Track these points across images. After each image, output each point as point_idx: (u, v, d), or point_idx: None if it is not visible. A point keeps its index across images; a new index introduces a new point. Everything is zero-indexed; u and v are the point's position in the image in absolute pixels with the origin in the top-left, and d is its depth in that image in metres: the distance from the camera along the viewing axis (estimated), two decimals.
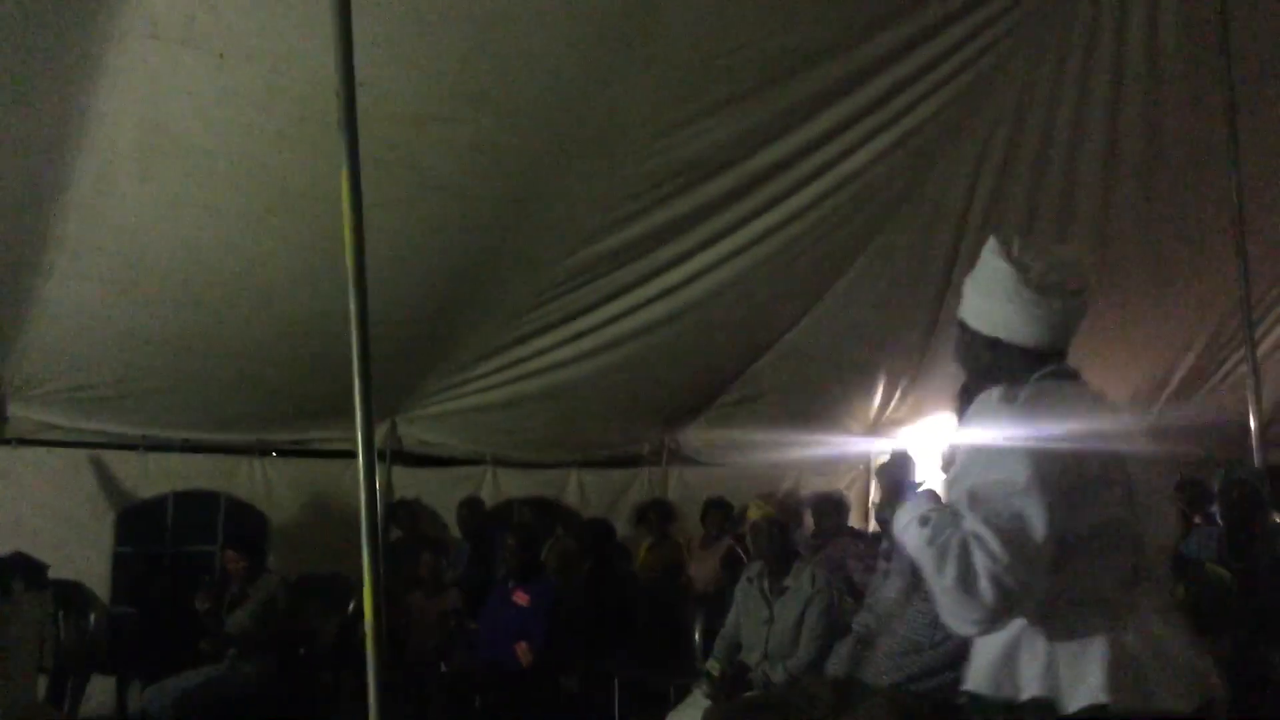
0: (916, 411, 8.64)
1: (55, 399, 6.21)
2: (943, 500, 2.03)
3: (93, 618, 6.64)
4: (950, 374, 7.57)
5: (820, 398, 8.34)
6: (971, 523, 1.86)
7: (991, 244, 2.18)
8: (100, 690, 6.63)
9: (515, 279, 5.82)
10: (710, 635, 5.58)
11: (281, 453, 7.43)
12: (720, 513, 7.48)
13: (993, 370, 2.16)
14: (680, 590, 6.54)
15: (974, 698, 2.07)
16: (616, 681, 5.71)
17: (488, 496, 8.01)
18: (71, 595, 6.49)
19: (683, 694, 5.02)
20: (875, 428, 8.89)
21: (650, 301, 6.40)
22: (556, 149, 4.89)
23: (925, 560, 1.90)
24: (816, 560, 5.02)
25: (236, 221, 4.83)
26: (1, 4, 3.55)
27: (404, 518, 7.41)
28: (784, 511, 4.94)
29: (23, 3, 3.59)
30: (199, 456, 7.16)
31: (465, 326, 6.32)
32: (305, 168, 4.39)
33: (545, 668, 5.71)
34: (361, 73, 3.07)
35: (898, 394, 8.49)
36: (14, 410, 6.22)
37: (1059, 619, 1.96)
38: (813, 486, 8.26)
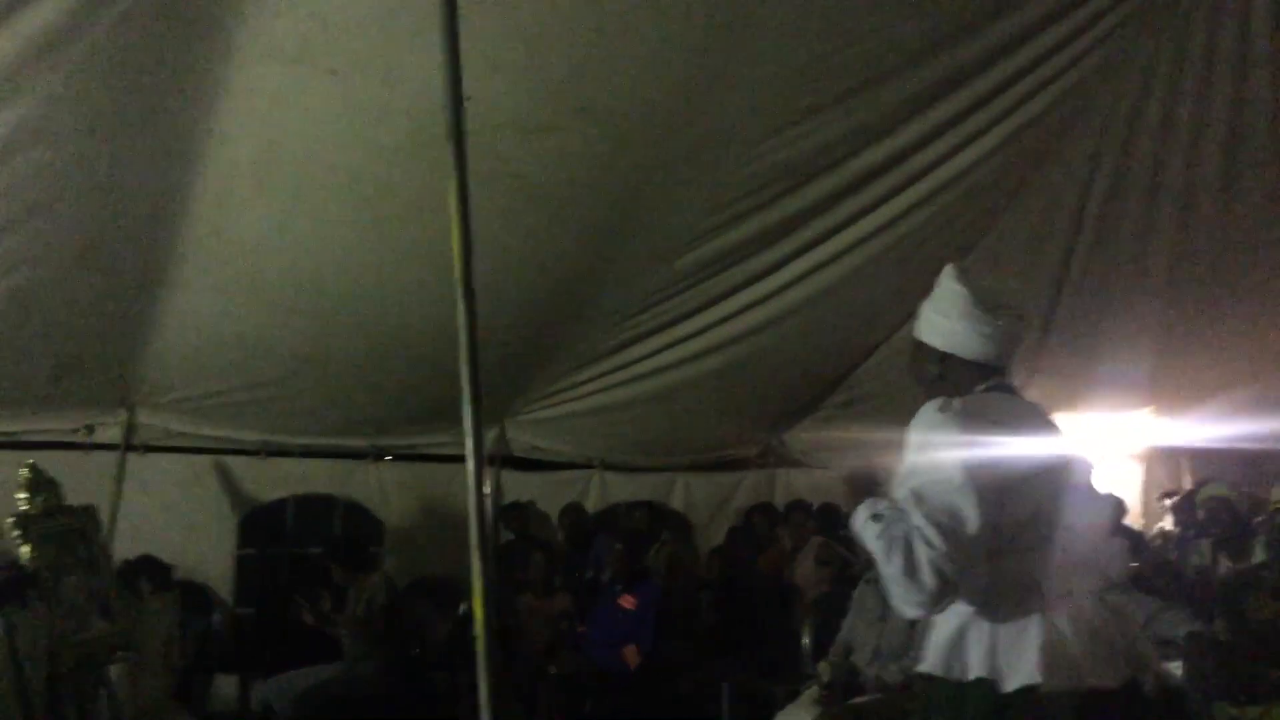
0: None
1: (181, 406, 6.45)
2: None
3: (217, 618, 6.90)
4: (1067, 373, 7.48)
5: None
6: (915, 518, 2.10)
7: (950, 270, 2.50)
8: (224, 688, 6.85)
9: (621, 284, 5.86)
10: (819, 637, 5.54)
11: (395, 457, 7.60)
12: (802, 513, 7.42)
13: (940, 382, 2.44)
14: (787, 593, 6.50)
15: (927, 678, 2.30)
16: (725, 685, 5.70)
17: (594, 500, 8.07)
18: (196, 596, 6.75)
19: (793, 697, 4.99)
20: None
21: (756, 304, 6.37)
22: (660, 155, 4.91)
23: (877, 551, 2.14)
24: None
25: (349, 233, 4.96)
26: (131, 28, 3.70)
27: (514, 521, 7.52)
28: None
29: (150, 26, 3.74)
30: (316, 461, 7.36)
31: (572, 332, 6.38)
32: (414, 180, 4.49)
33: (653, 671, 5.73)
34: (469, 86, 3.12)
35: None
36: (142, 417, 6.47)
37: (1000, 605, 2.21)
38: None
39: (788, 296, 6.34)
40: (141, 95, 4.01)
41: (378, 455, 7.53)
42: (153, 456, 6.70)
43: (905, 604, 2.12)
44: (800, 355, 7.24)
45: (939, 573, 2.05)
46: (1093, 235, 6.68)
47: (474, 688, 3.05)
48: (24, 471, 5.32)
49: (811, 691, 4.82)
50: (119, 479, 6.34)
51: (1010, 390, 2.43)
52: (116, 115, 4.05)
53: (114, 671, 5.51)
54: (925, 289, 7.21)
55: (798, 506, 7.49)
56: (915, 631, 4.56)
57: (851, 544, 6.84)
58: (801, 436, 8.54)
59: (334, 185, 4.64)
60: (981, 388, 2.39)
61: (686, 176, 5.16)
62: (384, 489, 7.54)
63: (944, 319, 2.44)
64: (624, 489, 8.31)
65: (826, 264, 6.14)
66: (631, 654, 5.70)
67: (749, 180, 5.27)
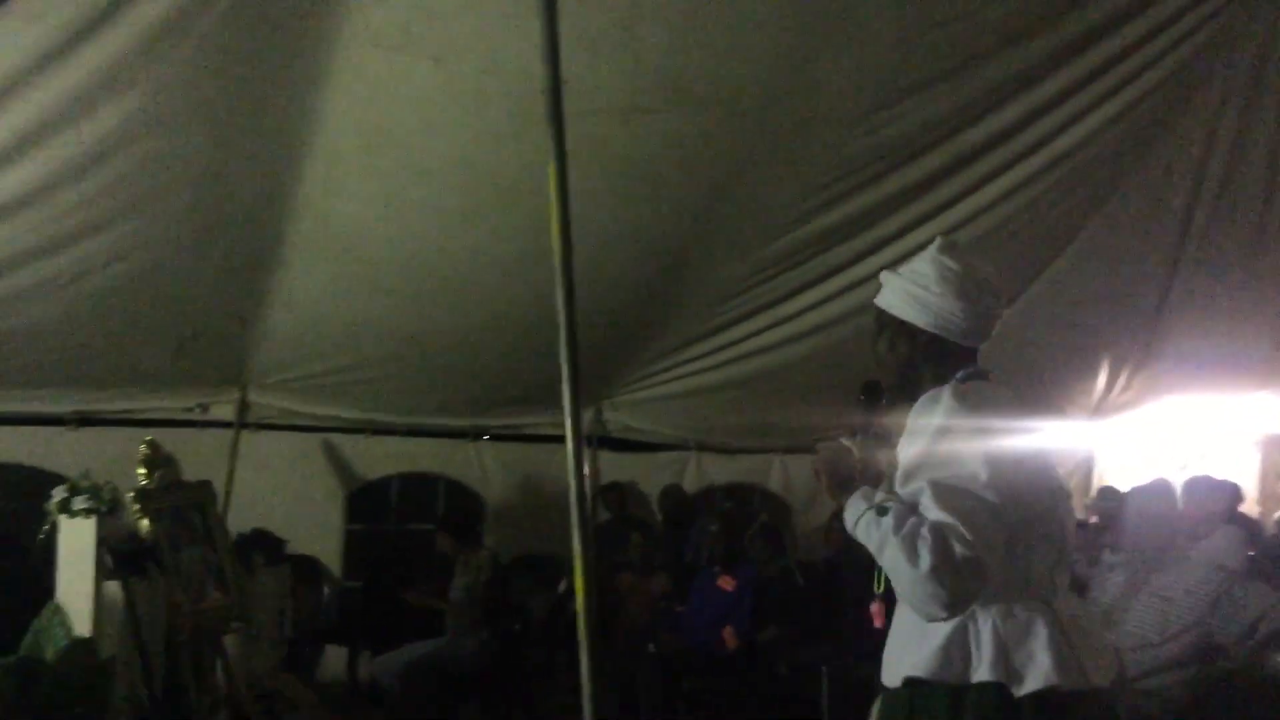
0: (1146, 393, 8.20)
1: (290, 386, 6.64)
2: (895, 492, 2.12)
3: (326, 591, 7.10)
4: (1184, 353, 7.24)
5: (1035, 382, 8.01)
6: (938, 513, 1.96)
7: (940, 243, 2.36)
8: (333, 659, 7.06)
9: (719, 265, 5.85)
10: None
11: (495, 437, 7.72)
12: None
13: (919, 365, 2.30)
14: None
15: (915, 682, 2.12)
16: (824, 669, 5.66)
17: (691, 482, 8.08)
18: (306, 569, 6.95)
19: None
20: (1098, 411, 8.47)
21: (856, 285, 6.29)
22: (759, 136, 4.87)
23: (891, 548, 1.97)
24: None
25: (451, 217, 5.04)
26: (238, 19, 3.81)
27: (613, 501, 7.57)
28: None
29: (257, 17, 3.84)
30: (419, 440, 7.52)
31: (669, 313, 6.39)
32: (514, 163, 4.53)
33: (752, 652, 5.73)
34: (567, 70, 3.15)
35: (1124, 376, 8.07)
36: (253, 396, 6.68)
37: (1003, 604, 2.07)
38: None
39: None
40: (249, 85, 4.12)
41: (478, 435, 7.65)
42: (264, 434, 6.91)
43: (930, 606, 1.94)
44: None
45: (975, 570, 1.92)
46: (1209, 212, 6.44)
47: (573, 665, 3.09)
48: (143, 448, 5.53)
49: None
50: (232, 455, 6.56)
51: (987, 376, 2.30)
52: (225, 104, 4.18)
53: (228, 641, 5.72)
54: (1033, 270, 7.05)
55: None
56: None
57: None
58: (902, 419, 8.41)
59: (435, 170, 4.71)
60: (962, 374, 2.24)
61: (785, 157, 5.12)
62: (485, 468, 7.67)
63: (934, 296, 2.26)
64: (721, 470, 8.31)
65: (925, 245, 6.02)
66: (730, 635, 5.71)
67: (849, 160, 5.20)
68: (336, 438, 7.26)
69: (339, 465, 7.28)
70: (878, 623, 2.35)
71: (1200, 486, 4.98)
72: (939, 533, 1.92)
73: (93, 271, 4.88)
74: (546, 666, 6.35)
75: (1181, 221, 6.50)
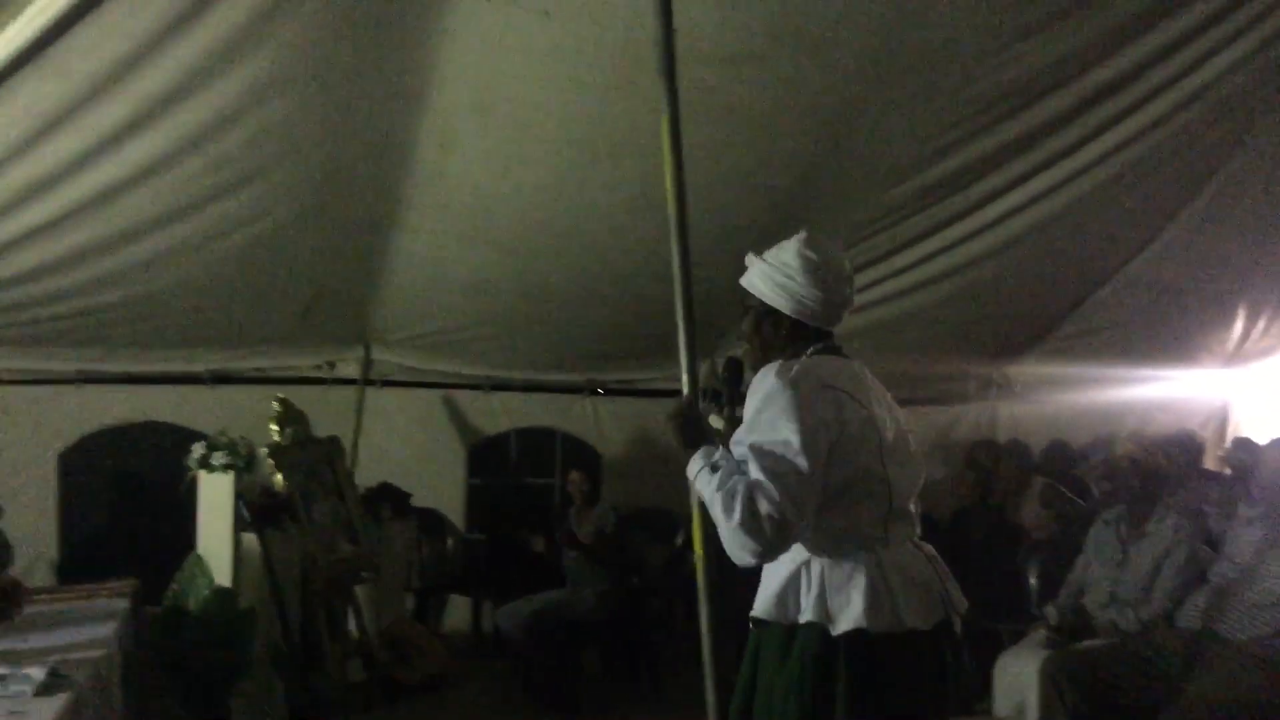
0: None
1: (412, 343, 6.79)
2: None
3: (450, 543, 7.29)
4: None
5: (1168, 330, 7.71)
6: (755, 472, 2.27)
7: (805, 237, 2.57)
8: (457, 609, 7.26)
9: (833, 215, 5.74)
10: (1045, 578, 5.35)
11: (609, 392, 7.78)
12: (1024, 451, 7.12)
13: (778, 344, 2.56)
14: (1011, 531, 6.29)
15: (759, 621, 2.47)
16: None
17: None
18: (431, 522, 7.15)
19: (1017, 638, 4.86)
20: (1234, 359, 8.12)
21: (976, 234, 6.12)
22: (875, 80, 4.74)
23: (715, 501, 2.32)
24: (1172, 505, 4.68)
25: (565, 172, 5.05)
26: None
27: None
28: (1151, 453, 4.64)
29: None
30: (536, 395, 7.63)
31: None
32: (625, 116, 4.51)
33: None
34: (678, 19, 3.11)
35: (1262, 322, 7.71)
36: (377, 354, 6.85)
37: (828, 554, 2.39)
38: (1159, 425, 7.68)
39: (1011, 225, 6.06)
40: (367, 46, 4.18)
41: (593, 390, 7.72)
42: (388, 390, 7.11)
43: (742, 552, 2.28)
44: (1024, 286, 6.93)
45: (778, 526, 2.23)
46: None
47: (691, 615, 3.11)
48: (276, 405, 5.74)
49: (1038, 634, 4.67)
50: (358, 412, 6.76)
51: (838, 351, 2.58)
52: (345, 66, 4.24)
53: (359, 592, 5.92)
54: (1166, 214, 6.76)
55: (1014, 444, 7.21)
56: (1155, 581, 4.37)
57: (1077, 484, 6.59)
58: (1026, 370, 8.21)
59: (548, 125, 4.72)
60: (813, 349, 2.51)
61: (902, 101, 4.98)
62: (600, 423, 7.74)
63: (797, 285, 2.50)
64: None
65: (1054, 189, 5.81)
66: None
67: (969, 103, 5.03)
68: (457, 394, 7.41)
69: (460, 421, 7.43)
70: None
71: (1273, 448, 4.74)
72: (749, 491, 2.26)
73: (222, 235, 5.05)
74: (665, 618, 6.41)
75: None
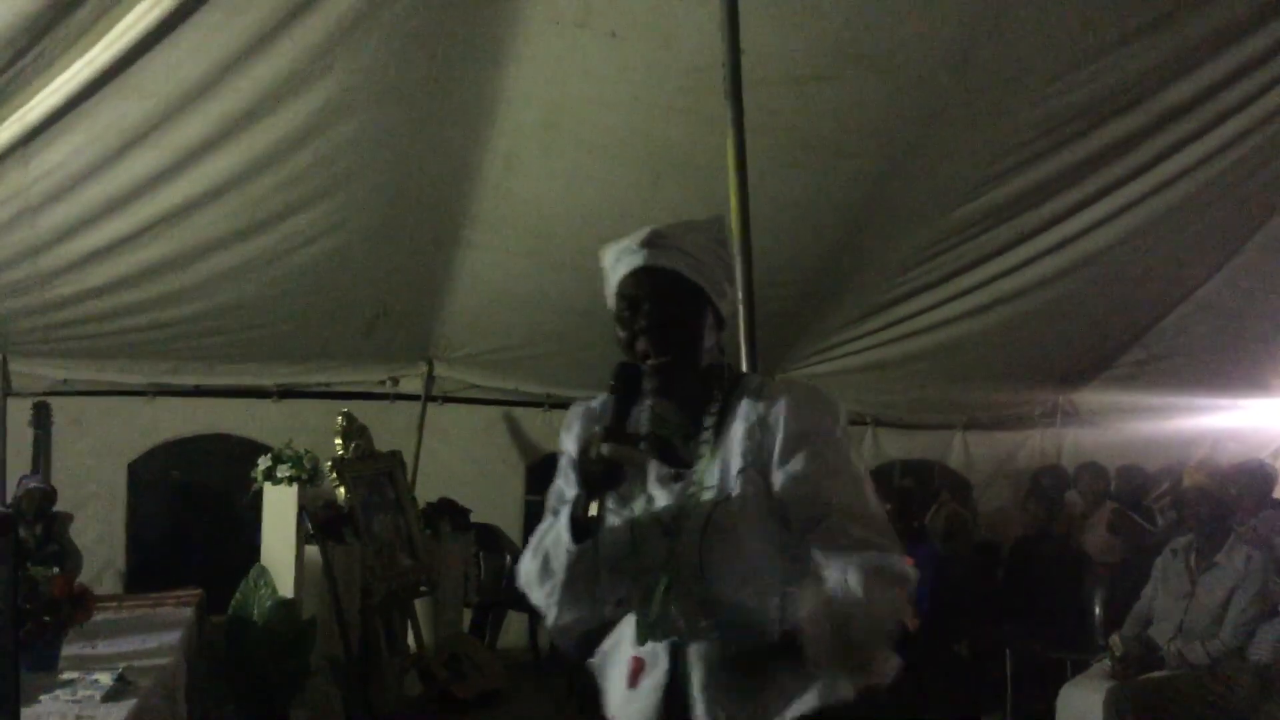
0: None
1: (473, 361, 6.85)
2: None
3: (508, 559, 7.29)
4: None
5: (1237, 357, 7.53)
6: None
7: (723, 222, 2.09)
8: (514, 625, 7.27)
9: (898, 236, 5.71)
10: (1110, 607, 5.26)
11: None
12: (1094, 476, 6.97)
13: (701, 351, 1.92)
14: (1076, 559, 6.19)
15: None
16: (1008, 651, 5.51)
17: (868, 458, 7.94)
18: (489, 538, 7.17)
19: (1081, 668, 4.77)
20: None
21: (1042, 255, 6.04)
22: (941, 100, 4.71)
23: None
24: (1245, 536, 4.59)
25: (628, 192, 5.07)
26: (427, 3, 3.93)
27: None
28: (1220, 483, 4.55)
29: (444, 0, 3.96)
30: None
31: (846, 285, 6.28)
32: (690, 136, 4.53)
33: (932, 633, 5.61)
34: (744, 40, 3.12)
35: None
36: (439, 370, 6.92)
37: None
38: (1231, 455, 7.50)
39: (1078, 247, 5.97)
40: (437, 67, 4.24)
41: None
42: (449, 406, 7.15)
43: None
44: (1091, 310, 6.82)
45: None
46: None
47: None
48: (339, 419, 5.81)
49: (1102, 664, 4.59)
50: (420, 427, 6.82)
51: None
52: (415, 87, 4.32)
53: (417, 605, 5.96)
54: (1233, 239, 6.63)
55: (1090, 469, 7.07)
56: (1225, 613, 4.27)
57: (1147, 511, 6.46)
58: (1091, 396, 8.07)
59: (613, 145, 4.75)
60: (721, 361, 1.99)
61: (969, 121, 4.94)
62: None
63: (729, 284, 1.97)
64: (898, 446, 8.14)
65: (1121, 212, 5.72)
66: (909, 616, 5.61)
67: (1036, 124, 4.98)
68: (517, 411, 7.44)
69: (519, 437, 7.46)
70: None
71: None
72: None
73: (291, 252, 5.15)
74: None
75: None
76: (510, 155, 4.79)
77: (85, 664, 3.24)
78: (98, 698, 2.88)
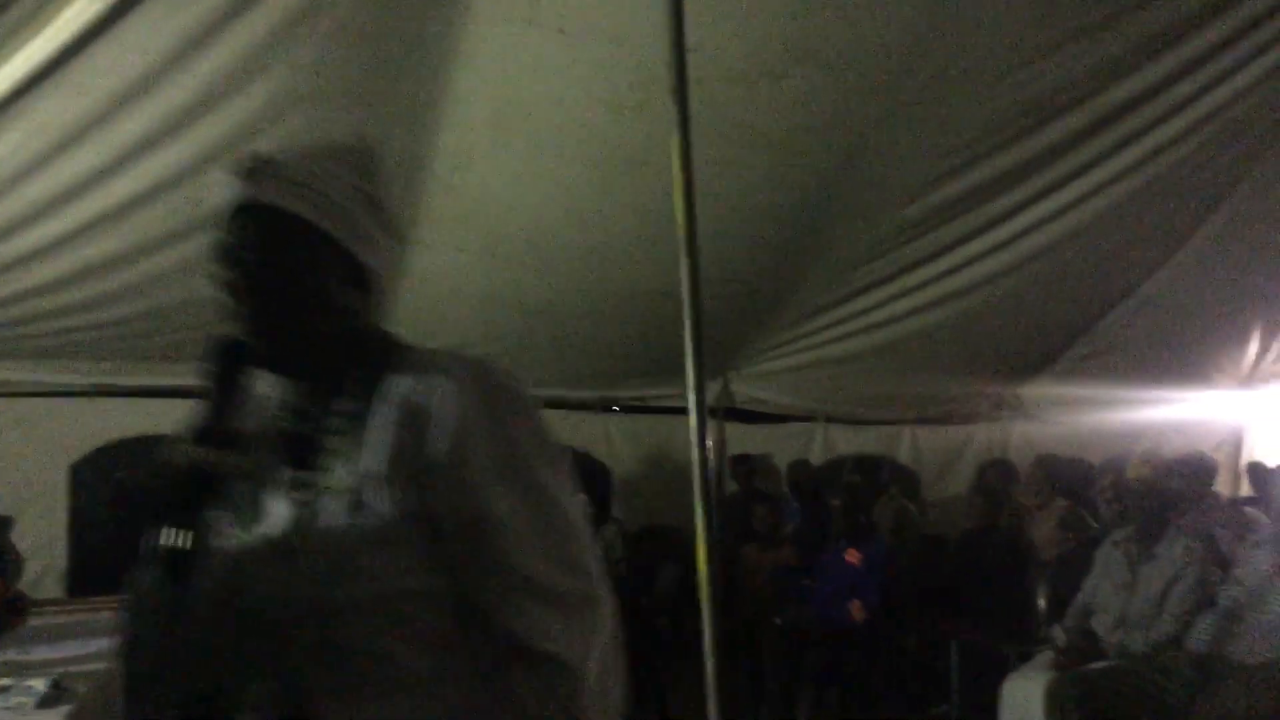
0: None
1: None
2: None
3: None
4: None
5: (1182, 351, 7.67)
6: None
7: (374, 151, 1.55)
8: None
9: (848, 233, 5.75)
10: (1053, 600, 5.33)
11: (622, 409, 7.77)
12: (1044, 471, 7.06)
13: (329, 315, 1.47)
14: (1023, 553, 6.27)
15: None
16: (953, 644, 5.57)
17: (819, 453, 8.01)
18: None
19: (1025, 660, 4.83)
20: (1249, 381, 8.08)
21: (991, 251, 6.12)
22: (890, 98, 4.75)
23: None
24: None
25: (578, 190, 5.06)
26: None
27: (741, 472, 7.56)
28: (1163, 475, 4.64)
29: None
30: (550, 413, 7.55)
31: (796, 283, 6.31)
32: (639, 134, 4.52)
33: (879, 626, 5.67)
34: (691, 38, 3.12)
35: (1277, 344, 7.68)
36: None
37: None
38: (1172, 447, 7.64)
39: (1025, 243, 6.06)
40: (384, 63, 4.20)
41: (605, 407, 7.71)
42: None
43: None
44: (1038, 305, 6.92)
45: None
46: None
47: (699, 635, 3.11)
48: None
49: (1045, 655, 4.65)
50: None
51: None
52: (358, 84, 4.26)
53: None
54: (1182, 233, 6.77)
55: (1041, 464, 7.17)
56: (1164, 603, 4.34)
57: (1094, 507, 6.56)
58: (1038, 390, 8.18)
59: (562, 143, 4.74)
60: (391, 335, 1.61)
61: (918, 119, 4.98)
62: (612, 440, 7.73)
63: (384, 235, 1.52)
64: (849, 442, 8.22)
65: (1068, 209, 5.81)
66: (857, 609, 5.65)
67: (985, 121, 5.03)
68: None
69: None
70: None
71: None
72: None
73: None
74: (675, 637, 6.39)
75: None
76: (458, 153, 4.76)
77: (19, 670, 3.17)
78: (31, 705, 2.83)
